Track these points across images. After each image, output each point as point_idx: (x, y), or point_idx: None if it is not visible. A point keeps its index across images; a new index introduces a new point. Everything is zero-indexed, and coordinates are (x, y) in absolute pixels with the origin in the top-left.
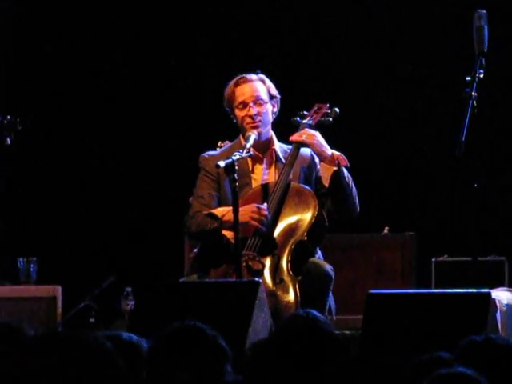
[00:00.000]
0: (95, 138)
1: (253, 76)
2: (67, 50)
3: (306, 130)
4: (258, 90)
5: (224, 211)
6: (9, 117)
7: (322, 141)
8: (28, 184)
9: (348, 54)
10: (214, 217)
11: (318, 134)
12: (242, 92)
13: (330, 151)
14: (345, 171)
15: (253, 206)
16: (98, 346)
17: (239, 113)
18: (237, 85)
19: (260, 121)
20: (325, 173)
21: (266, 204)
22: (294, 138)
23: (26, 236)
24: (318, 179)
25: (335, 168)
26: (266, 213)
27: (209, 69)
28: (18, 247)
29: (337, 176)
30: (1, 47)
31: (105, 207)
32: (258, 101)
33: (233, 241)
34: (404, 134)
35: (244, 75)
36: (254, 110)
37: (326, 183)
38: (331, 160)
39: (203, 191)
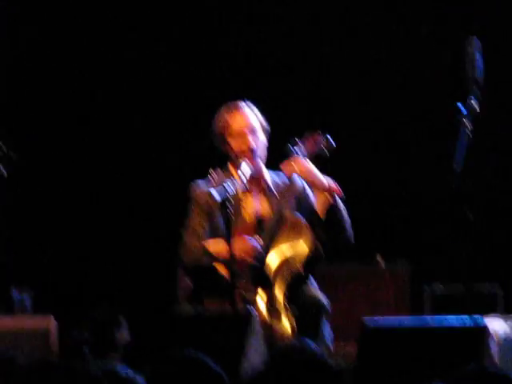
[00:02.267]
0: (84, 165)
1: (243, 104)
2: (64, 54)
3: (299, 159)
4: (252, 119)
5: (216, 245)
6: (2, 146)
7: (315, 170)
8: (20, 214)
9: (339, 80)
10: (206, 252)
11: (310, 163)
12: (237, 121)
13: (324, 181)
14: (339, 202)
15: (245, 241)
16: (91, 377)
17: (233, 141)
18: (230, 113)
19: (255, 149)
20: (319, 204)
21: (257, 237)
22: (286, 168)
23: (19, 266)
24: (312, 209)
25: (330, 199)
26: (258, 247)
27: (196, 97)
28: (11, 278)
29: (331, 207)
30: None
31: (98, 237)
32: (252, 130)
33: (226, 274)
34: (396, 161)
35: (236, 103)
36: (249, 139)
37: (321, 214)
38: (325, 190)
39: (194, 222)
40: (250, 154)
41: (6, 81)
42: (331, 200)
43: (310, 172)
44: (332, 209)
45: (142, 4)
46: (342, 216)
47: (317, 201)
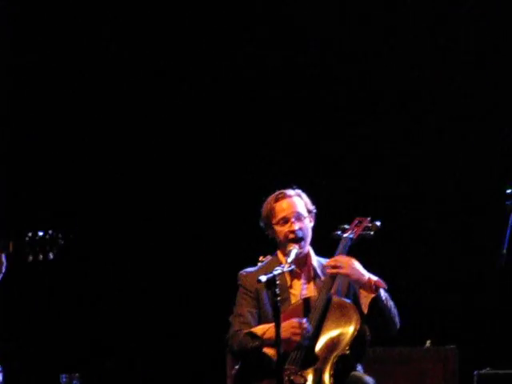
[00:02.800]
0: (128, 249)
1: (291, 191)
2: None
3: (340, 258)
4: (298, 206)
5: (264, 329)
6: (50, 231)
7: (358, 266)
8: (68, 299)
9: (383, 168)
10: (254, 336)
11: (352, 260)
12: (283, 208)
13: (366, 277)
14: (382, 294)
15: (293, 321)
16: None
17: (280, 228)
18: (276, 200)
19: (302, 236)
20: (362, 299)
21: (305, 318)
22: (329, 270)
23: (67, 352)
24: (356, 294)
25: (373, 295)
26: (306, 326)
27: (246, 186)
28: (59, 363)
29: (375, 301)
30: None
31: (147, 325)
32: (298, 216)
33: (274, 357)
34: (443, 246)
35: (282, 191)
36: (296, 226)
37: (365, 310)
38: (369, 286)
39: (243, 309)
40: (297, 238)
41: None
42: (373, 295)
43: (352, 269)
44: (374, 302)
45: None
46: (385, 308)
47: (360, 296)
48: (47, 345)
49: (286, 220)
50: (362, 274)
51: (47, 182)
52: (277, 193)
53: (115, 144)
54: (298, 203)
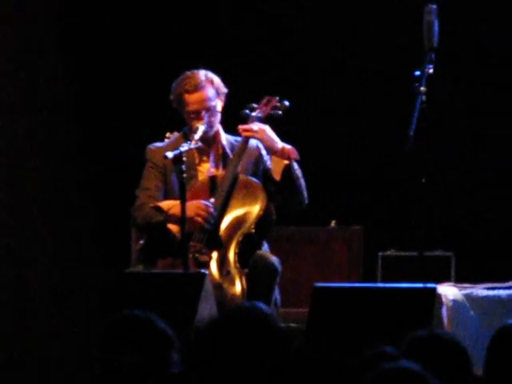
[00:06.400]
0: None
1: (201, 77)
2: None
3: (256, 123)
4: (209, 99)
5: (170, 205)
6: None
7: (272, 134)
8: None
9: (296, 46)
10: (159, 210)
11: (267, 127)
12: (193, 101)
13: (280, 145)
14: (295, 165)
15: (199, 202)
16: None
17: (190, 119)
18: (187, 92)
19: (211, 126)
20: (276, 166)
21: (212, 200)
22: (244, 132)
23: None
24: (266, 171)
25: (286, 162)
26: (211, 210)
27: (155, 60)
28: None
29: (287, 170)
30: None
31: (51, 198)
32: (209, 110)
33: (178, 234)
34: (352, 127)
35: (194, 78)
36: (206, 119)
37: (277, 177)
38: (282, 154)
39: (149, 183)
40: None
41: None
42: (287, 162)
43: (267, 135)
44: (287, 171)
45: None
46: (297, 178)
47: (272, 163)
48: None
49: (197, 113)
50: (276, 141)
51: None
52: (187, 80)
53: None
54: (209, 94)
